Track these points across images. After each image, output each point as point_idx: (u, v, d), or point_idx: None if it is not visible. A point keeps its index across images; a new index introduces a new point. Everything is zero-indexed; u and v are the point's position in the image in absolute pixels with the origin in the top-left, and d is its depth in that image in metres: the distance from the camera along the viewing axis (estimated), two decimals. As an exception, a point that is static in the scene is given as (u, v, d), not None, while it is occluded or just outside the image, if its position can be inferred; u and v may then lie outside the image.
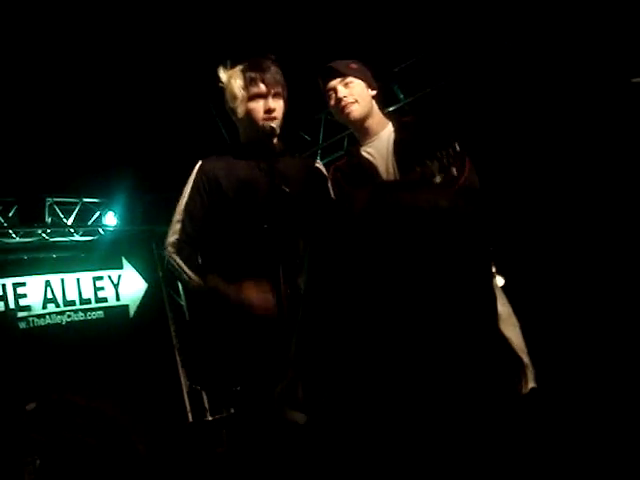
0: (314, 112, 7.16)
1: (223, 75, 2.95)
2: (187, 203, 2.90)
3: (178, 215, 2.91)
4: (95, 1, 5.48)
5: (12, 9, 5.28)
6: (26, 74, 5.91)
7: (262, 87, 2.85)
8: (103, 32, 5.78)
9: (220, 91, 2.99)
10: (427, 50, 6.45)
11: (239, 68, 2.92)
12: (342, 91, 3.09)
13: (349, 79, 3.10)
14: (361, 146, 3.19)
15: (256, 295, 2.71)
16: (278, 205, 2.62)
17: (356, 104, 3.10)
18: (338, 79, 3.11)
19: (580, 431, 0.94)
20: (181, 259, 2.83)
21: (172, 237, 2.88)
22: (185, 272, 2.81)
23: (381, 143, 3.14)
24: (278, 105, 2.89)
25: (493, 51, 6.11)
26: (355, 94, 3.10)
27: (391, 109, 6.17)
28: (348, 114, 3.11)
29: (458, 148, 2.97)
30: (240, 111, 2.92)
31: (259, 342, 2.68)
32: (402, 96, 6.71)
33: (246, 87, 2.87)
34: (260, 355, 2.67)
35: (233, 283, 2.77)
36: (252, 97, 2.86)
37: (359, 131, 3.22)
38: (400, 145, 3.07)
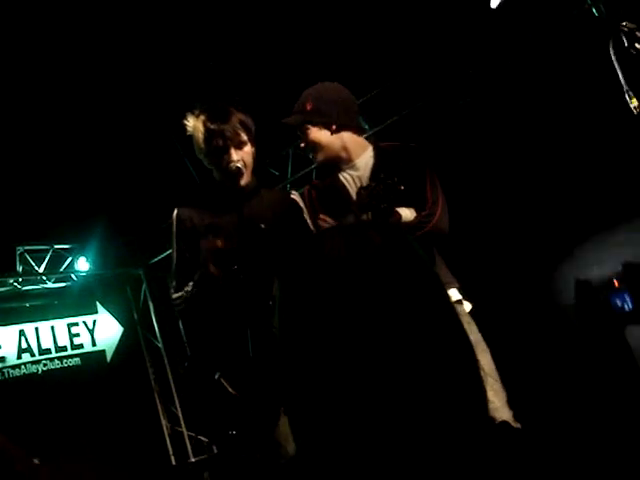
0: (281, 147, 7.21)
1: (189, 125, 2.98)
2: (175, 253, 3.01)
3: (173, 268, 3.01)
4: (62, 49, 5.49)
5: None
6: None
7: (220, 142, 2.87)
8: (71, 77, 5.79)
9: (188, 137, 3.03)
10: (391, 80, 6.54)
11: (202, 118, 2.93)
12: (303, 139, 3.18)
13: (305, 127, 3.14)
14: (340, 171, 3.19)
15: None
16: (249, 245, 2.66)
17: (314, 151, 3.16)
18: (297, 129, 3.18)
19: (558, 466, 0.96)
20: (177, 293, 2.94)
21: (172, 289, 2.98)
22: (178, 302, 2.92)
23: (358, 169, 3.13)
24: (241, 154, 2.90)
25: (458, 79, 6.22)
26: (312, 141, 3.14)
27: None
28: (315, 160, 3.21)
29: (433, 185, 3.00)
30: (205, 162, 3.00)
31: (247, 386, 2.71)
32: (367, 127, 6.78)
33: (207, 141, 2.90)
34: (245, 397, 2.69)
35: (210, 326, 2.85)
36: (214, 150, 2.89)
37: (336, 161, 3.20)
38: (377, 173, 3.03)
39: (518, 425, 2.41)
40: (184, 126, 3.01)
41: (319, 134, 3.13)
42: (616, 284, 5.34)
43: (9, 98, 5.72)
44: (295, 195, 3.21)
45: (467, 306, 3.05)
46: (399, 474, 0.88)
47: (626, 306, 5.25)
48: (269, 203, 3.03)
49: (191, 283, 2.87)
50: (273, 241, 2.81)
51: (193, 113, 2.99)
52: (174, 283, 2.96)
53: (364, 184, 3.02)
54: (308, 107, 3.13)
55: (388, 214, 2.77)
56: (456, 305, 2.80)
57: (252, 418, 2.68)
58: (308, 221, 3.11)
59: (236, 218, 2.76)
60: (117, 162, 6.84)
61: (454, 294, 2.98)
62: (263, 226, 2.80)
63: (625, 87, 2.55)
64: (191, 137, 3.01)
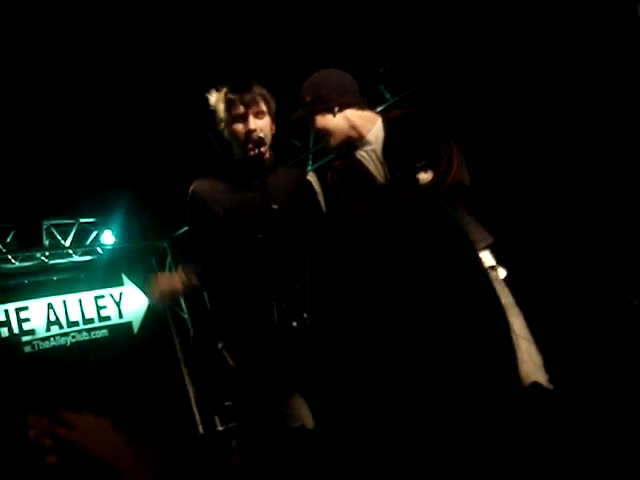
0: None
1: (212, 99, 3.03)
2: (190, 229, 3.12)
3: (187, 242, 3.13)
4: (86, 24, 5.51)
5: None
6: (15, 98, 5.92)
7: (241, 109, 2.93)
8: (95, 52, 5.80)
9: (212, 112, 3.07)
10: (411, 48, 6.48)
11: (224, 90, 3.01)
12: (313, 129, 3.25)
13: (309, 119, 3.19)
14: (356, 149, 3.21)
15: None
16: (268, 221, 2.70)
17: (325, 138, 3.21)
18: (307, 124, 3.26)
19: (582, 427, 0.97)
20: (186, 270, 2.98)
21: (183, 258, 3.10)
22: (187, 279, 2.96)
23: (372, 144, 3.15)
24: (260, 124, 2.95)
25: (477, 46, 6.14)
26: (320, 129, 3.19)
27: (379, 109, 6.20)
28: (330, 148, 3.27)
29: (447, 143, 3.01)
30: (226, 133, 3.04)
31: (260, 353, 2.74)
32: (389, 95, 6.74)
33: (228, 110, 2.96)
34: (261, 365, 2.73)
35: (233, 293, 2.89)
36: (234, 119, 2.95)
37: (350, 142, 3.23)
38: (389, 145, 3.10)
39: (551, 387, 2.42)
40: (207, 99, 3.06)
41: (324, 120, 3.17)
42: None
43: (32, 71, 5.75)
44: (311, 177, 3.25)
45: (502, 273, 3.04)
46: (428, 432, 0.89)
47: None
48: (284, 182, 3.06)
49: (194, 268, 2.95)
50: (283, 222, 2.86)
51: (216, 88, 3.06)
52: (184, 256, 3.08)
53: (380, 156, 3.08)
54: (307, 99, 3.17)
55: (408, 177, 2.79)
56: (489, 270, 2.80)
57: (253, 390, 2.72)
58: (322, 204, 3.16)
59: (253, 197, 2.81)
60: (140, 134, 6.85)
61: (487, 259, 2.97)
62: (275, 206, 2.83)
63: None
64: (213, 112, 3.06)
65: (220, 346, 2.82)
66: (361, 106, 3.27)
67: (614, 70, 5.10)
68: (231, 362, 2.77)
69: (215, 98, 3.03)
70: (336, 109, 3.16)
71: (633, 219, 5.01)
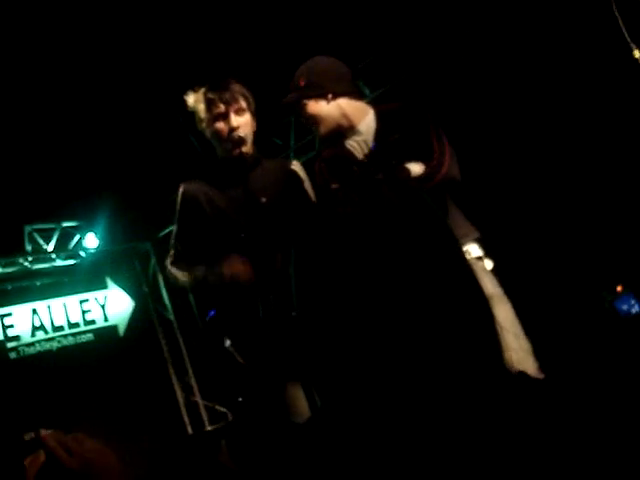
0: (283, 115, 7.19)
1: (190, 100, 3.03)
2: (177, 228, 3.09)
3: (172, 240, 3.09)
4: (64, 32, 5.49)
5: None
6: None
7: (222, 107, 2.94)
8: (73, 58, 5.78)
9: (191, 113, 3.07)
10: (390, 44, 6.51)
11: (202, 91, 3.01)
12: (303, 115, 3.18)
13: (303, 102, 3.15)
14: (345, 138, 3.19)
15: (236, 265, 2.80)
16: (255, 216, 2.70)
17: (316, 125, 3.16)
18: (297, 108, 3.20)
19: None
20: (177, 269, 3.00)
21: (169, 258, 3.06)
22: (180, 276, 2.98)
23: (362, 134, 3.14)
24: (242, 120, 2.96)
25: (455, 41, 6.17)
26: (311, 115, 3.15)
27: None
28: (319, 134, 3.21)
29: (439, 138, 3.02)
30: (207, 133, 3.05)
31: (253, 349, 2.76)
32: (368, 91, 6.76)
33: (208, 109, 2.97)
34: (256, 362, 2.75)
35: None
36: (215, 118, 2.96)
37: (340, 131, 3.20)
38: (380, 135, 3.09)
39: (542, 376, 2.44)
40: (185, 102, 3.07)
41: (317, 106, 3.15)
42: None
43: (12, 77, 5.71)
44: (295, 165, 3.25)
45: (488, 264, 3.06)
46: (413, 421, 0.90)
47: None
48: (270, 174, 3.07)
49: (202, 269, 2.92)
50: (273, 214, 2.88)
51: (193, 89, 3.06)
52: (172, 252, 3.05)
53: (370, 147, 3.06)
54: (301, 83, 3.15)
55: (398, 171, 2.79)
56: (476, 261, 2.82)
57: (259, 384, 2.74)
58: (309, 191, 3.15)
59: (241, 191, 2.81)
60: (120, 137, 6.84)
61: (474, 250, 2.99)
62: (264, 200, 2.84)
63: (628, 39, 2.55)
64: (192, 113, 3.07)
65: (228, 344, 2.85)
66: (354, 95, 3.26)
67: (591, 66, 5.15)
68: (240, 359, 2.81)
69: (193, 99, 3.03)
70: (330, 96, 3.15)
71: (615, 220, 5.07)
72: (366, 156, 3.00)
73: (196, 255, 2.99)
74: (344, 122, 3.16)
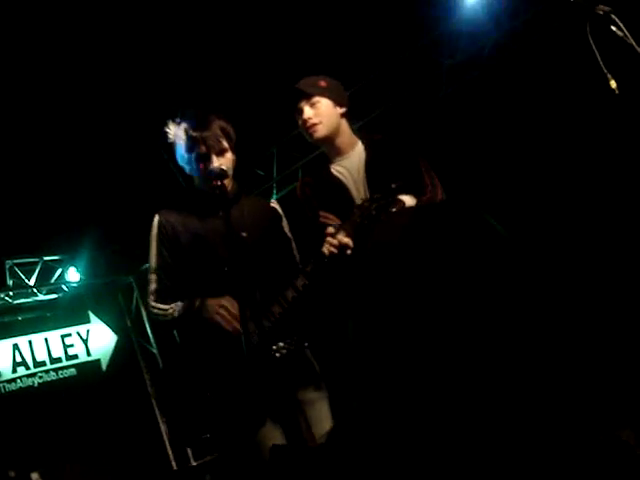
0: (266, 147, 7.22)
1: (171, 132, 3.01)
2: (156, 259, 2.99)
3: (151, 273, 2.99)
4: (39, 64, 5.50)
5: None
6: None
7: (203, 149, 2.89)
8: (56, 93, 5.78)
9: (170, 145, 3.05)
10: (371, 74, 6.58)
11: (183, 126, 2.96)
12: (307, 112, 3.12)
13: (315, 99, 3.12)
14: (331, 164, 3.21)
15: (222, 306, 2.76)
16: (236, 251, 2.68)
17: (320, 125, 3.11)
18: (304, 100, 3.13)
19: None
20: (160, 303, 2.92)
21: (150, 292, 2.96)
22: (164, 314, 2.90)
23: (352, 162, 3.15)
24: (223, 161, 2.92)
25: (436, 70, 6.25)
26: (320, 114, 3.11)
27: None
28: (312, 134, 3.14)
29: (428, 170, 3.05)
30: (187, 169, 3.02)
31: (234, 385, 2.72)
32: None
33: (190, 149, 2.92)
34: (236, 398, 2.71)
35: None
36: (196, 159, 2.92)
37: (328, 149, 3.23)
38: (371, 165, 3.10)
39: None
40: (166, 133, 3.04)
41: (331, 110, 3.15)
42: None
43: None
44: (275, 203, 3.23)
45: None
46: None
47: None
48: (249, 211, 3.03)
49: (180, 304, 2.87)
50: (254, 250, 2.85)
51: (174, 121, 3.02)
52: (153, 287, 2.95)
53: (360, 176, 3.08)
54: (322, 84, 3.15)
55: (393, 204, 2.80)
56: None
57: (232, 420, 2.69)
58: (285, 229, 3.14)
59: (221, 226, 2.78)
60: (101, 170, 6.83)
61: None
62: (245, 235, 2.82)
63: (604, 69, 2.59)
64: (172, 144, 3.03)
65: (194, 378, 2.79)
66: (351, 125, 3.30)
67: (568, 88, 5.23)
68: (207, 393, 2.75)
69: (174, 132, 3.00)
70: (344, 110, 3.20)
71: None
72: (357, 186, 3.02)
73: (178, 289, 2.93)
74: (338, 142, 3.18)
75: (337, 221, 2.87)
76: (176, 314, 2.88)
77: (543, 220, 5.53)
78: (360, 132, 3.36)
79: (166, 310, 2.90)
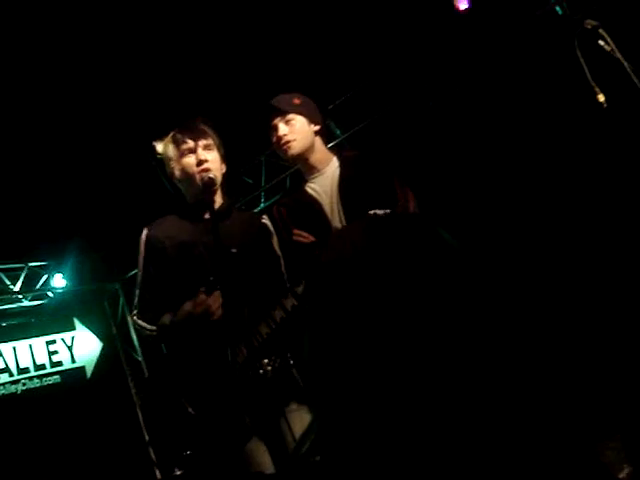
0: (254, 155, 7.22)
1: (159, 145, 3.03)
2: (142, 275, 2.98)
3: (137, 288, 2.98)
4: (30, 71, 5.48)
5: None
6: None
7: (190, 142, 2.93)
8: (45, 102, 5.77)
9: (160, 160, 3.07)
10: (360, 85, 6.59)
11: (170, 135, 3.01)
12: (282, 129, 3.13)
13: (290, 116, 3.13)
14: (306, 181, 3.22)
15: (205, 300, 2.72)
16: (224, 265, 2.65)
17: (295, 142, 3.12)
18: (279, 117, 3.15)
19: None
20: (144, 320, 2.89)
21: (134, 306, 2.96)
22: (148, 329, 2.87)
23: (325, 179, 3.16)
24: (210, 155, 2.94)
25: (426, 80, 6.27)
26: (295, 132, 3.13)
27: (330, 145, 6.26)
28: (286, 151, 3.14)
29: (402, 185, 3.05)
30: (177, 170, 2.99)
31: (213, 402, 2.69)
32: (339, 132, 6.82)
33: (176, 146, 2.96)
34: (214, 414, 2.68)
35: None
36: (183, 154, 2.94)
37: (303, 167, 3.25)
38: (345, 182, 3.10)
39: None
40: (154, 147, 3.07)
41: (305, 127, 3.17)
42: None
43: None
44: (266, 219, 3.20)
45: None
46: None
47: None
48: (239, 226, 3.02)
49: (168, 318, 2.83)
50: (243, 265, 2.83)
51: (160, 137, 3.06)
52: (137, 302, 2.94)
53: (334, 193, 3.08)
54: (296, 101, 3.18)
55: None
56: None
57: (214, 437, 2.66)
58: (275, 247, 3.11)
59: (211, 238, 2.75)
60: (87, 176, 6.80)
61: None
62: (234, 250, 2.80)
63: (592, 83, 2.61)
64: (162, 161, 3.06)
65: (177, 393, 2.76)
66: (326, 142, 3.35)
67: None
68: (190, 409, 2.71)
69: (163, 144, 3.03)
70: (318, 127, 3.23)
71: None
72: (332, 205, 3.03)
73: (163, 304, 2.89)
74: (312, 159, 3.20)
75: (310, 238, 2.89)
76: (155, 333, 2.85)
77: (533, 229, 5.55)
78: (335, 149, 3.40)
79: (146, 327, 2.88)
